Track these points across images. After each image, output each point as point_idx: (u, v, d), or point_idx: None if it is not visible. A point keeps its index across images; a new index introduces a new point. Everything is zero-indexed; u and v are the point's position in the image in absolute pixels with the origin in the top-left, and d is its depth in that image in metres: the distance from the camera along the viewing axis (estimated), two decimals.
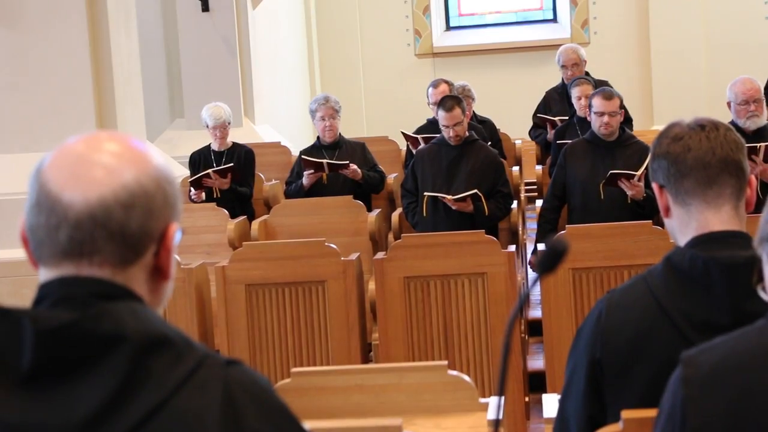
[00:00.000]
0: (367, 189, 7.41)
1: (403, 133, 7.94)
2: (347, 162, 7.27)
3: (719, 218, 2.22)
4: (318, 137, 7.60)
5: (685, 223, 2.24)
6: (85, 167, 1.53)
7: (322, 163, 7.21)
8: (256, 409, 1.51)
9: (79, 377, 1.44)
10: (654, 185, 2.30)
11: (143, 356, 1.46)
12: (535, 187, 8.12)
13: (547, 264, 1.76)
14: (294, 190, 7.40)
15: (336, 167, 7.22)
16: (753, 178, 2.28)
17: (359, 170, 7.29)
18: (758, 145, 6.10)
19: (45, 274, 1.55)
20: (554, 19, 12.99)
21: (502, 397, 1.76)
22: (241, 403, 1.50)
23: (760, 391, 1.63)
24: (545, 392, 4.96)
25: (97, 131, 1.67)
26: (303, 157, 7.38)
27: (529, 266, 7.24)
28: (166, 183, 1.58)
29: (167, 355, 1.48)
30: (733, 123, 6.24)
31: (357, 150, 7.54)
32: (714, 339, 1.76)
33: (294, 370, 3.29)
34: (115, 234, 1.52)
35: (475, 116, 8.30)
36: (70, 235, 1.51)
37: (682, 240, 2.24)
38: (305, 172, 7.30)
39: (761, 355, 1.64)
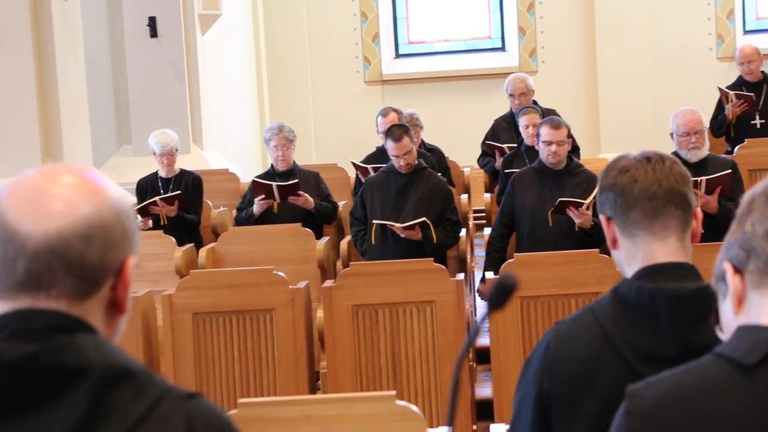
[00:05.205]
0: (320, 219, 7.38)
1: (353, 163, 7.93)
2: (296, 182, 7.22)
3: (665, 249, 2.23)
4: (272, 165, 7.57)
5: (631, 255, 2.25)
6: (44, 199, 1.51)
7: (272, 187, 7.17)
8: None
9: (40, 410, 1.42)
10: (601, 217, 2.31)
11: (106, 389, 1.44)
12: (484, 214, 8.14)
13: (496, 300, 1.75)
14: (244, 217, 7.36)
15: (285, 190, 7.18)
16: (699, 210, 2.30)
17: (311, 199, 7.26)
18: (698, 179, 6.16)
19: (0, 307, 1.52)
20: (503, 48, 13.09)
21: (451, 428, 1.75)
22: None
23: (701, 426, 1.63)
24: (493, 421, 4.99)
25: (51, 164, 1.66)
26: (253, 179, 7.34)
27: (477, 294, 7.25)
28: (125, 216, 1.57)
29: (130, 388, 1.47)
30: (675, 154, 6.31)
31: (311, 179, 7.51)
32: (660, 371, 1.76)
33: (241, 401, 3.26)
34: (74, 266, 1.50)
35: (423, 144, 8.31)
36: (28, 267, 1.49)
37: (629, 271, 2.25)
38: (256, 199, 7.26)
39: (703, 390, 1.65)
